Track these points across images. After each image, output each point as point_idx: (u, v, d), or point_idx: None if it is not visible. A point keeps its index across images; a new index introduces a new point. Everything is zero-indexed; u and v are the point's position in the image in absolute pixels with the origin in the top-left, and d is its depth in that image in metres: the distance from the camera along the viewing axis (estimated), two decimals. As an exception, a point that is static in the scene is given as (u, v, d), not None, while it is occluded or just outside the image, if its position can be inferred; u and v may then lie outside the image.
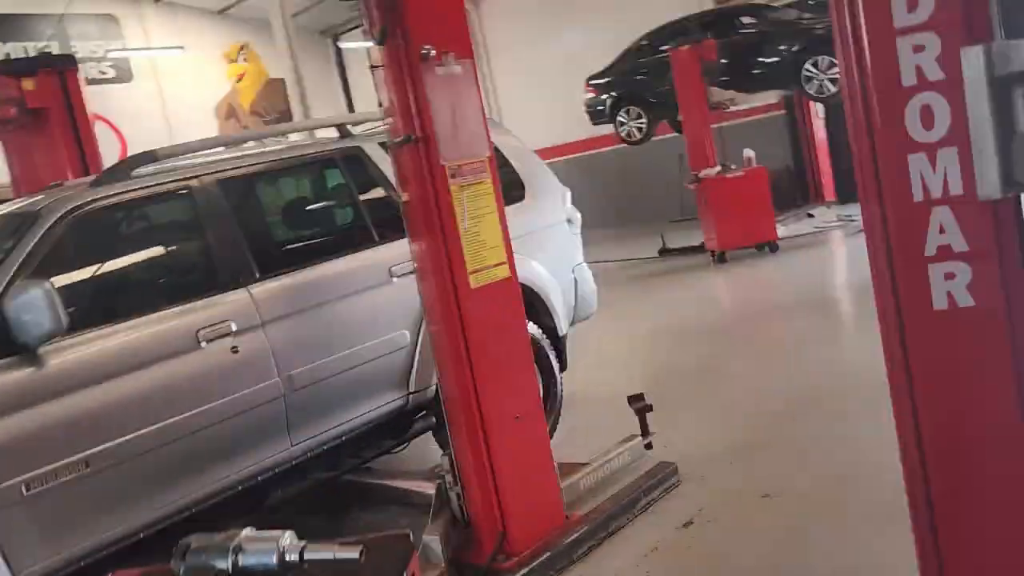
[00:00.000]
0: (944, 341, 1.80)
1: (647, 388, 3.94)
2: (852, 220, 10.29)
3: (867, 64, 1.74)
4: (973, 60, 1.63)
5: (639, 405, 3.81)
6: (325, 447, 3.50)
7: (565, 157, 13.87)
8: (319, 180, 4.43)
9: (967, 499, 1.84)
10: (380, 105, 3.02)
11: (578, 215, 4.69)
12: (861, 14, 1.72)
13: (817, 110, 12.53)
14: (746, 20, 10.45)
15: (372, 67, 2.95)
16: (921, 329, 1.81)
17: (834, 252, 9.52)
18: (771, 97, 12.00)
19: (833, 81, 9.25)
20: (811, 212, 11.78)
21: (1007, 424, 1.78)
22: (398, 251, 3.60)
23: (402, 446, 3.93)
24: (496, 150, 3.20)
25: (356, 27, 15.32)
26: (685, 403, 4.70)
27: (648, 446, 3.78)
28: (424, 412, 3.87)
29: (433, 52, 2.85)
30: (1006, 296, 1.73)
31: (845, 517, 3.06)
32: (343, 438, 3.55)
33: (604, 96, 11.59)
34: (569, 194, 4.70)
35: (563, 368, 4.40)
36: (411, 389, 3.75)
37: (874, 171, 1.83)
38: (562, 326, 4.37)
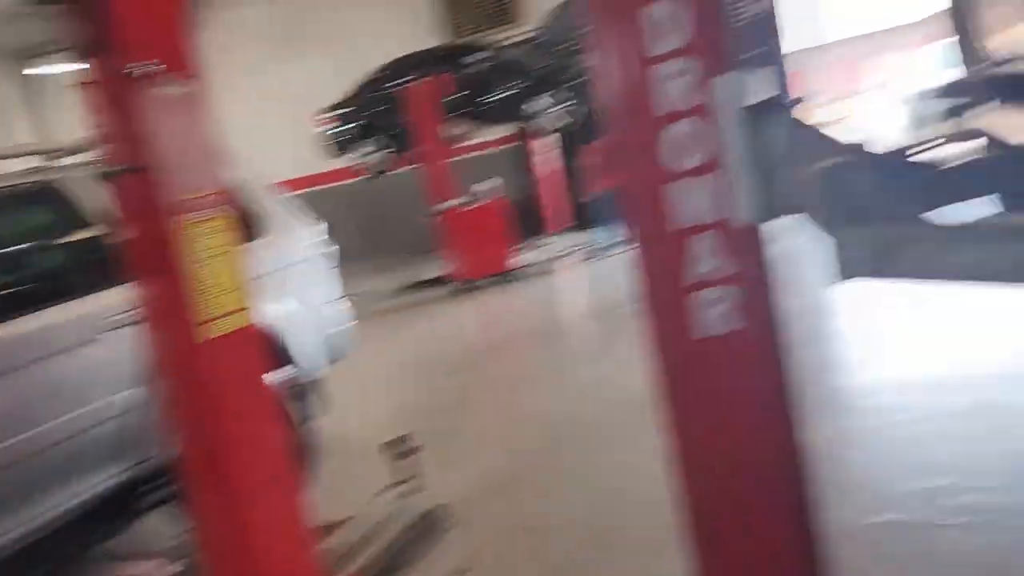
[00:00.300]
0: (708, 368, 1.82)
1: (407, 427, 3.77)
2: (584, 248, 10.93)
3: (623, 92, 1.72)
4: (723, 89, 1.67)
5: (401, 448, 3.62)
6: (30, 539, 2.91)
7: (311, 189, 13.41)
8: (4, 221, 3.75)
9: (736, 521, 1.87)
10: (88, 131, 2.59)
11: (333, 249, 4.44)
12: (615, 41, 1.70)
13: (546, 143, 13.20)
14: (476, 57, 10.78)
15: (77, 85, 2.52)
16: (686, 357, 1.82)
17: (570, 279, 10.02)
18: (503, 131, 12.47)
19: (561, 116, 9.83)
20: (545, 241, 12.36)
21: (769, 447, 1.84)
22: (111, 301, 3.12)
23: (131, 525, 3.41)
24: (232, 182, 2.88)
25: (53, 50, 13.72)
26: (447, 440, 4.58)
27: (413, 491, 3.60)
28: (156, 483, 3.39)
29: (151, 69, 2.48)
30: (762, 322, 1.78)
31: (617, 544, 3.08)
32: (54, 526, 2.99)
33: (344, 127, 11.38)
34: (323, 227, 4.43)
35: (318, 415, 4.11)
36: (138, 459, 3.26)
37: (635, 199, 1.82)
38: (314, 370, 4.07)
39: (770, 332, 1.80)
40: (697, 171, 1.71)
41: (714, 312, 1.77)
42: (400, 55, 11.24)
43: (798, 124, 1.77)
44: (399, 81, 10.51)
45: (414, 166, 10.88)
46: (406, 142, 10.57)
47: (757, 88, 1.76)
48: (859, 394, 4.24)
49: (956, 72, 3.33)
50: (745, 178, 1.69)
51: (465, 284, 9.46)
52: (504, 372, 6.07)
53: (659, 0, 1.66)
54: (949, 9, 3.13)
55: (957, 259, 1.34)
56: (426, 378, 6.24)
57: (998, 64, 2.67)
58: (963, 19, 2.91)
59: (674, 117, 1.69)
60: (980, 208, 2.29)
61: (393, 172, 11.59)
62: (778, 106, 1.78)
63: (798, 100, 1.86)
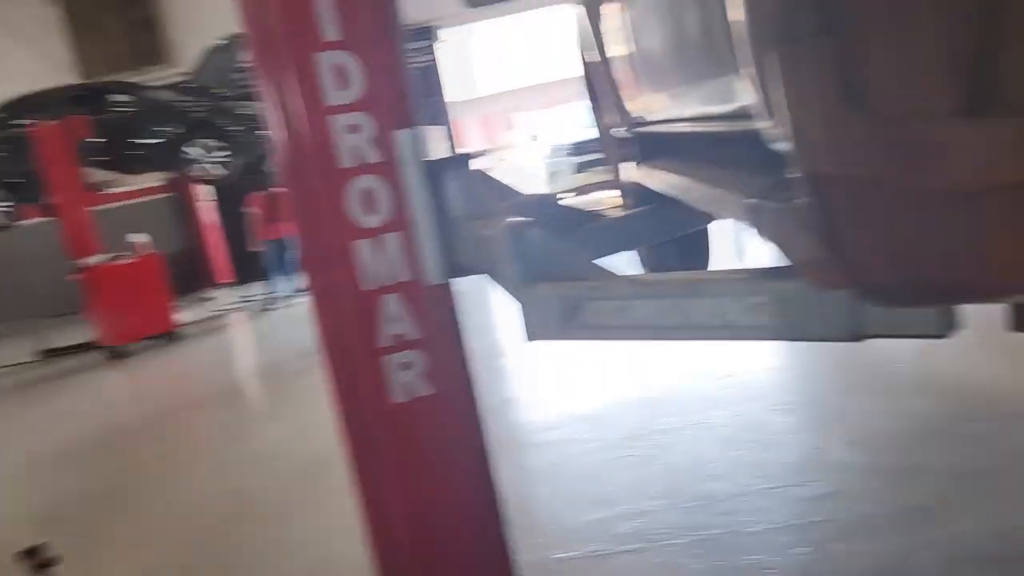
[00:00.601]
0: (399, 430, 1.72)
1: (46, 531, 3.18)
2: (251, 301, 10.38)
3: (303, 144, 1.58)
4: (405, 143, 1.60)
5: (37, 560, 3.03)
6: None
7: None
8: None
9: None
10: None
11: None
12: (292, 89, 1.55)
13: (205, 192, 12.42)
14: (119, 98, 9.83)
15: None
16: (383, 423, 1.71)
17: (239, 335, 9.44)
18: (156, 179, 11.51)
19: (221, 164, 9.26)
20: (209, 296, 11.57)
21: (464, 502, 1.78)
22: None
23: None
24: None
25: None
26: (95, 540, 3.93)
27: (56, 609, 3.01)
28: None
29: None
30: (453, 381, 1.73)
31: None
32: None
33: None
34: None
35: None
36: None
37: (317, 256, 1.68)
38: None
39: (461, 392, 1.75)
40: (382, 228, 1.62)
41: (404, 375, 1.67)
42: (25, 93, 9.88)
43: (478, 179, 1.76)
44: (20, 123, 9.19)
45: (48, 218, 9.57)
46: (34, 191, 9.25)
47: (434, 143, 1.72)
48: (533, 431, 4.43)
49: (597, 130, 3.66)
50: (430, 236, 1.63)
51: (117, 349, 8.45)
52: (163, 449, 5.44)
53: (330, 49, 1.55)
54: (587, 71, 3.42)
55: (634, 318, 1.38)
56: (67, 467, 5.36)
57: (635, 125, 2.95)
58: (602, 81, 3.18)
59: (356, 171, 1.58)
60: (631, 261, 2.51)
61: (23, 224, 10.09)
62: (458, 161, 1.76)
63: (478, 154, 1.86)
